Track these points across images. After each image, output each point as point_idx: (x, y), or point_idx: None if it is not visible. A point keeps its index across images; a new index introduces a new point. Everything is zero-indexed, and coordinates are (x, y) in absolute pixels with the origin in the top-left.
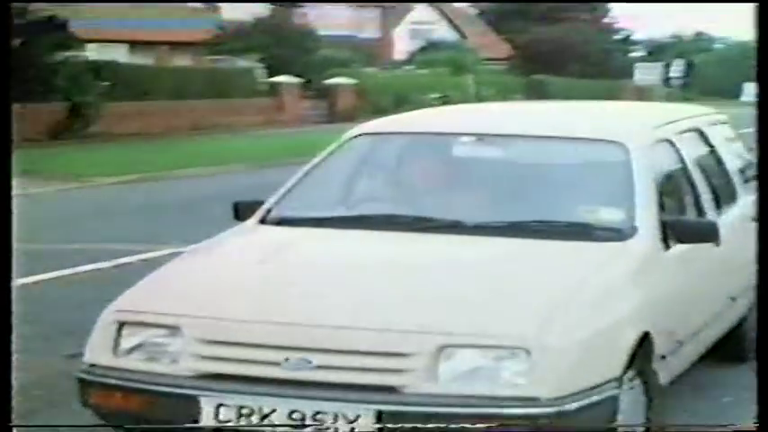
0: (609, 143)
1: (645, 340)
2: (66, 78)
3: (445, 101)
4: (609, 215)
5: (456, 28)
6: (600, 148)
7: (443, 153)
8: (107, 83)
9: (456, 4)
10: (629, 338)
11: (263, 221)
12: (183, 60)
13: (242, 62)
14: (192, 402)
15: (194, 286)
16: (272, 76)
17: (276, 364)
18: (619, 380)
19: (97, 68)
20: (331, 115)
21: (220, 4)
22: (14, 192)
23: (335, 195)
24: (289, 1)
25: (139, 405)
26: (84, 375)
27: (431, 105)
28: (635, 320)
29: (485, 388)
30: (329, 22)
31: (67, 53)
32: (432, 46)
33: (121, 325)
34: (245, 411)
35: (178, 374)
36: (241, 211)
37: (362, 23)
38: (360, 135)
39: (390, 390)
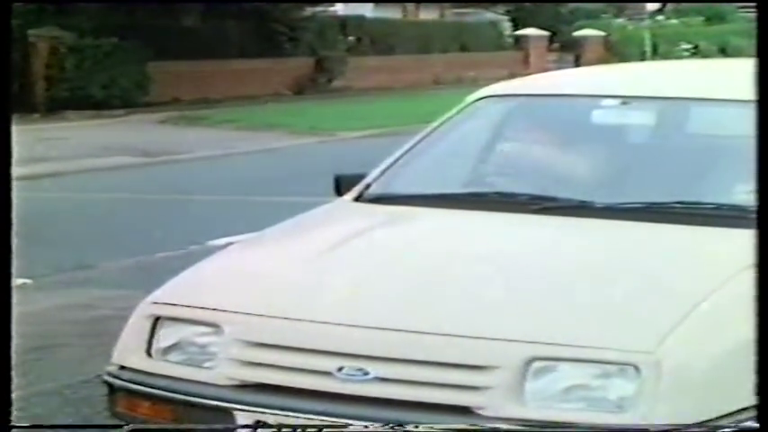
0: None
1: None
2: (312, 33)
3: (696, 52)
4: None
5: None
6: None
7: (577, 119)
8: (353, 37)
9: None
10: None
11: (358, 198)
12: (429, 14)
13: (488, 15)
14: (227, 417)
15: (246, 277)
16: (518, 29)
17: (327, 373)
18: None
19: (343, 23)
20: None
21: None
22: (262, 146)
23: (447, 168)
24: None
25: (169, 416)
26: (110, 379)
27: (680, 57)
28: None
29: (583, 413)
30: None
31: (315, 8)
32: None
33: (157, 320)
34: (286, 430)
35: (213, 382)
36: (342, 186)
37: None
38: (484, 98)
39: (464, 411)
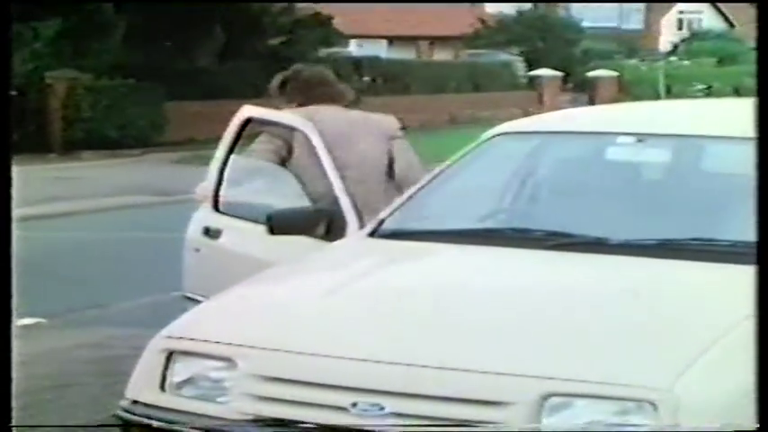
0: None
1: None
2: None
3: (709, 93)
4: None
5: (724, 17)
6: None
7: (591, 156)
8: (367, 78)
9: None
10: None
11: (372, 234)
12: (442, 55)
13: (502, 55)
14: None
15: (260, 311)
16: (531, 70)
17: (342, 408)
18: None
19: (358, 63)
20: None
21: None
22: None
23: (462, 204)
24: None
25: None
26: (124, 414)
27: (694, 97)
28: None
29: None
30: (592, 13)
31: (330, 49)
32: (697, 36)
33: (171, 354)
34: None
35: (227, 417)
36: (274, 224)
37: (627, 14)
38: (499, 135)
39: None
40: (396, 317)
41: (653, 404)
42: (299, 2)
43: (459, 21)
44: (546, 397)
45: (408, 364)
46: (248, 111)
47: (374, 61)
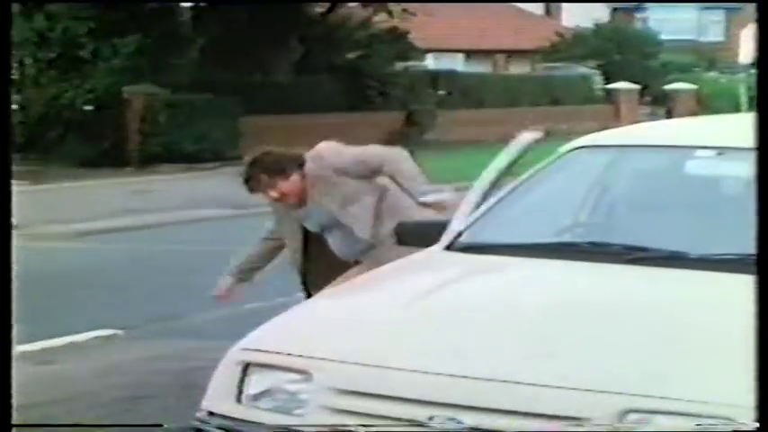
0: None
1: None
2: (403, 87)
3: None
4: None
5: None
6: None
7: (669, 170)
8: (444, 91)
9: None
10: None
11: (449, 247)
12: (519, 68)
13: (579, 69)
14: None
15: (336, 324)
16: (608, 83)
17: (418, 422)
18: None
19: (434, 77)
20: None
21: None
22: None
23: (539, 218)
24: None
25: None
26: (200, 425)
27: None
28: None
29: None
30: (671, 25)
31: (406, 63)
32: None
33: (247, 366)
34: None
35: (303, 430)
36: (404, 235)
37: (705, 26)
38: (577, 148)
39: None
40: (473, 331)
41: (732, 421)
42: (371, 1)
43: (536, 34)
44: (625, 413)
45: (486, 379)
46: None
47: (450, 75)
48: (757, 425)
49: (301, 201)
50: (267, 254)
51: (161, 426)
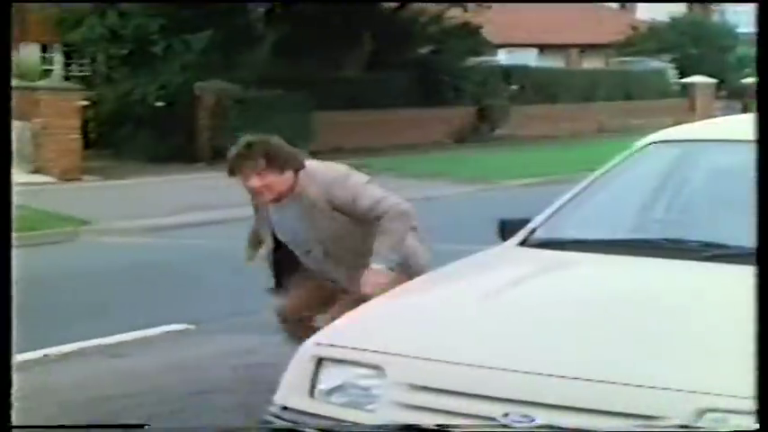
0: None
1: None
2: (475, 83)
3: None
4: None
5: None
6: None
7: (747, 165)
8: (516, 86)
9: None
10: None
11: (523, 243)
12: (593, 62)
13: (653, 63)
14: None
15: (409, 319)
16: (683, 77)
17: (492, 419)
18: None
19: (507, 72)
20: None
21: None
22: (423, 194)
23: (614, 214)
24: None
25: None
26: (273, 419)
27: None
28: None
29: None
30: (748, 18)
31: (479, 58)
32: None
33: (320, 361)
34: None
35: (376, 425)
36: (507, 231)
37: None
38: (653, 143)
39: None
40: (547, 328)
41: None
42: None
43: (610, 28)
44: (702, 413)
45: (561, 376)
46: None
47: (523, 70)
48: (757, 426)
49: (276, 200)
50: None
51: (161, 427)
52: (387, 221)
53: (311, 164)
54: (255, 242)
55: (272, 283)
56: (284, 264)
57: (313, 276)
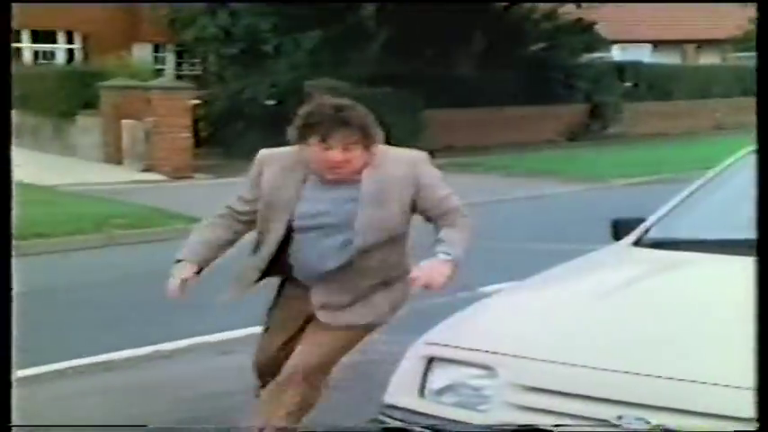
0: None
1: None
2: (588, 80)
3: None
4: None
5: None
6: None
7: None
8: (630, 83)
9: None
10: None
11: (637, 243)
12: (709, 58)
13: None
14: None
15: (521, 320)
16: None
17: (606, 421)
18: None
19: (621, 69)
20: None
21: None
22: (532, 193)
23: (729, 213)
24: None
25: None
26: (384, 418)
27: None
28: None
29: None
30: None
31: (592, 55)
32: None
33: (431, 361)
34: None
35: (487, 426)
36: (620, 231)
37: None
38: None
39: None
40: (661, 329)
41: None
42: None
43: (728, 22)
44: None
45: (677, 379)
46: None
47: (637, 66)
48: (757, 425)
49: (344, 178)
50: (223, 242)
51: (163, 427)
52: (460, 218)
53: (382, 146)
54: (259, 267)
55: (248, 288)
56: (276, 270)
57: (297, 299)
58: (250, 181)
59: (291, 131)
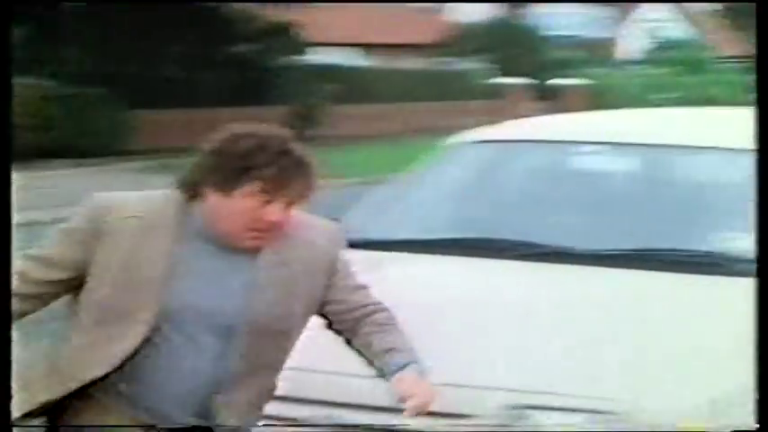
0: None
1: None
2: (292, 82)
3: (679, 101)
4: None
5: (692, 24)
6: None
7: (557, 165)
8: (334, 86)
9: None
10: None
11: None
12: (410, 63)
13: (469, 64)
14: None
15: None
16: (498, 78)
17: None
18: None
19: (324, 72)
20: None
21: (453, 5)
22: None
23: (423, 213)
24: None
25: None
26: None
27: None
28: None
29: None
30: (561, 20)
31: (296, 57)
32: (665, 44)
33: None
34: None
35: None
36: None
37: (595, 22)
38: (462, 143)
39: None
40: None
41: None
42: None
43: (428, 28)
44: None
45: (361, 376)
46: None
47: (338, 69)
48: (757, 425)
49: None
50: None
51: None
52: (390, 317)
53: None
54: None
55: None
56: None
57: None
58: (69, 237)
59: (196, 173)
